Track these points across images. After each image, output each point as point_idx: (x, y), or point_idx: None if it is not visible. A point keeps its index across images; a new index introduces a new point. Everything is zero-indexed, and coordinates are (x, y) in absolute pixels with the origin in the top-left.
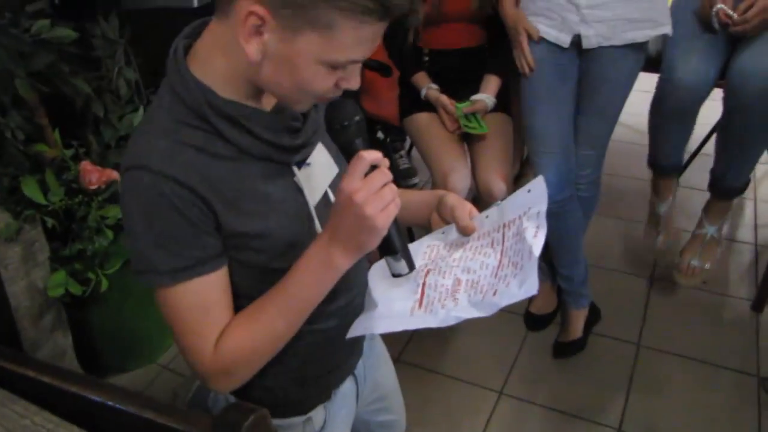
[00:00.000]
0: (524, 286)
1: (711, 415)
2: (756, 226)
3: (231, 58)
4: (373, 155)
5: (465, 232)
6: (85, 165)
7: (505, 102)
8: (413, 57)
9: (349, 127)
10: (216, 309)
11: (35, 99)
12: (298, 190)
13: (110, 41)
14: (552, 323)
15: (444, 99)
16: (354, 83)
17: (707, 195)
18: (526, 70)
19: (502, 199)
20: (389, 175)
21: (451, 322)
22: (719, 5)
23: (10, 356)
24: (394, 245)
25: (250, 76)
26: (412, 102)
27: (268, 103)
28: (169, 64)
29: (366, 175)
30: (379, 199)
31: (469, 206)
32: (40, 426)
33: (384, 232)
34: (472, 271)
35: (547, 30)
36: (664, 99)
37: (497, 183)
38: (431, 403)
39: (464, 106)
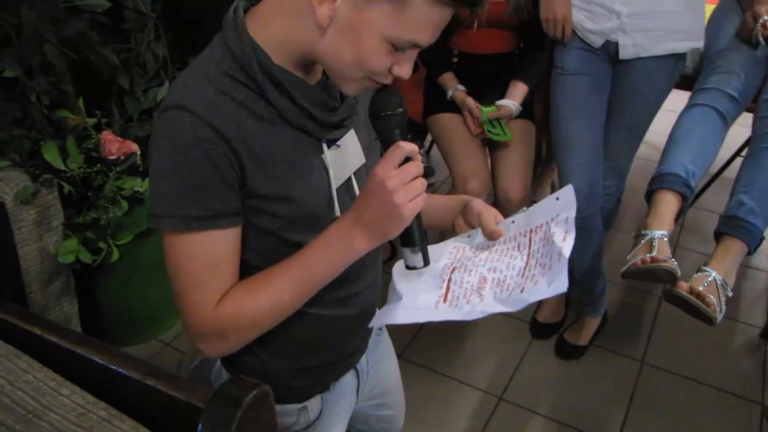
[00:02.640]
0: (554, 284)
1: None
2: None
3: (293, 22)
4: (410, 146)
5: (492, 236)
6: (107, 135)
7: (529, 109)
8: (442, 57)
9: (391, 116)
10: (223, 266)
11: (63, 65)
12: (324, 169)
13: (141, 14)
14: (556, 333)
15: (470, 102)
16: (406, 72)
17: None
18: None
19: (528, 206)
20: (421, 168)
21: (476, 316)
22: (766, 16)
23: (18, 313)
24: (414, 237)
25: (308, 45)
26: (437, 101)
27: (313, 79)
28: (226, 22)
29: (401, 165)
30: (410, 189)
31: (495, 212)
32: (41, 383)
33: (408, 222)
34: (498, 270)
35: (585, 23)
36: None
37: (517, 191)
38: (430, 402)
39: (489, 111)
